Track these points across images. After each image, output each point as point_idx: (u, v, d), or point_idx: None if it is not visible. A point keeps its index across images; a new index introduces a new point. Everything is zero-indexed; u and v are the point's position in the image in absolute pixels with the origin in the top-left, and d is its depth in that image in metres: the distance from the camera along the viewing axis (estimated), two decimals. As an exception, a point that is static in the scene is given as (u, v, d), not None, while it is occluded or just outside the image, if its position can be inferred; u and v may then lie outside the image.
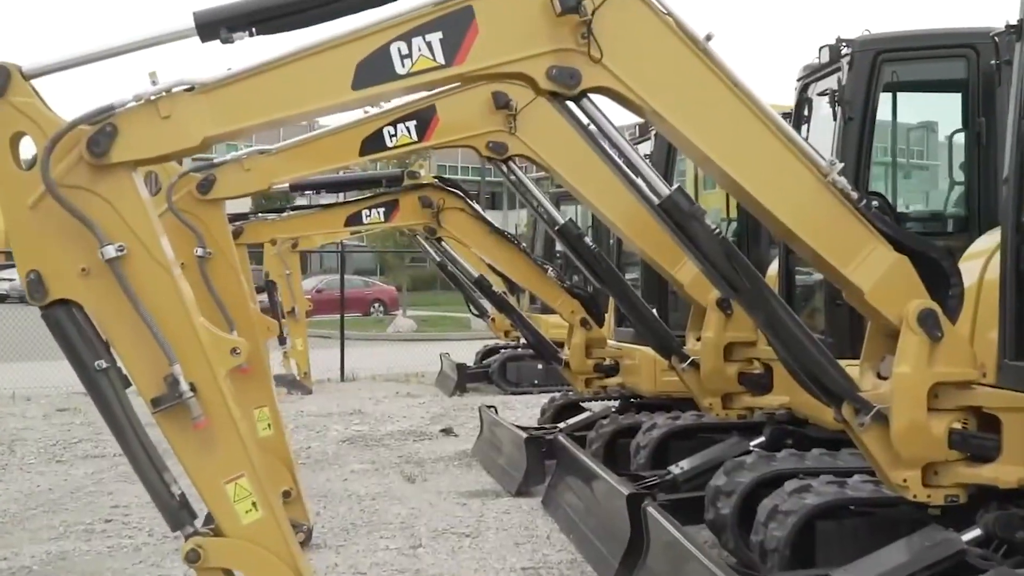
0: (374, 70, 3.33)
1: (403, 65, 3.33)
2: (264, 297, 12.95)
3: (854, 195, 3.83)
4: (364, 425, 11.27)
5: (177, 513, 3.34)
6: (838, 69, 5.62)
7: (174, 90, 3.23)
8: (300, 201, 11.90)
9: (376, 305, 33.76)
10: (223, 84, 3.28)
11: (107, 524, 6.77)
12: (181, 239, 5.43)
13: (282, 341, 13.44)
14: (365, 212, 8.01)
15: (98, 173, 3.17)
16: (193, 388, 3.21)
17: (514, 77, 3.66)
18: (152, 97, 3.20)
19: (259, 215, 8.26)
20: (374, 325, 29.11)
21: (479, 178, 44.15)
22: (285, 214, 8.52)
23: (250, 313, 5.71)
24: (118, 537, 6.45)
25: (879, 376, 4.05)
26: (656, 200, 3.74)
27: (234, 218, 8.03)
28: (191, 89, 3.24)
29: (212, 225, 5.58)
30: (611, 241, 9.43)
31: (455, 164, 49.66)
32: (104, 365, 3.20)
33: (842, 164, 3.83)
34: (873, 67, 5.54)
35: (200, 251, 5.47)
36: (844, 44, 5.59)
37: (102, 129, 3.15)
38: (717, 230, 3.77)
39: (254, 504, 3.35)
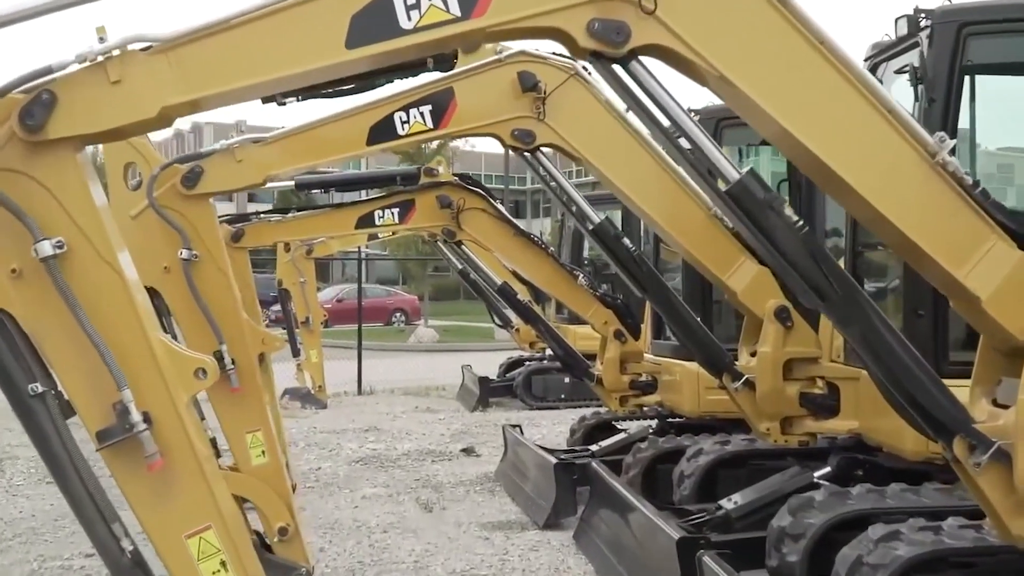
0: (373, 24, 2.74)
1: (409, 18, 2.75)
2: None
3: (967, 180, 3.13)
4: (379, 443, 10.67)
5: (128, 573, 2.78)
6: (915, 45, 4.92)
7: (128, 48, 2.67)
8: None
9: (397, 315, 33.35)
10: (187, 41, 2.72)
11: (86, 560, 6.12)
12: (164, 240, 4.87)
13: (296, 353, 12.90)
14: (378, 213, 7.37)
15: (33, 152, 2.66)
16: (147, 419, 2.67)
17: (546, 34, 3.03)
18: (99, 58, 2.67)
19: (261, 215, 7.63)
20: (395, 335, 28.63)
21: (503, 186, 43.68)
22: (291, 215, 7.89)
23: (242, 324, 5.07)
24: (96, 576, 5.80)
25: (995, 403, 3.32)
26: (724, 186, 3.04)
27: (236, 219, 7.42)
28: (148, 48, 2.69)
29: (199, 224, 4.95)
30: (644, 246, 8.77)
31: (478, 172, 49.20)
32: (40, 389, 2.70)
33: (953, 142, 3.11)
34: (957, 42, 4.84)
35: (185, 253, 4.86)
36: (923, 16, 4.89)
37: (37, 97, 2.63)
38: (800, 223, 3.05)
39: (223, 563, 2.84)
